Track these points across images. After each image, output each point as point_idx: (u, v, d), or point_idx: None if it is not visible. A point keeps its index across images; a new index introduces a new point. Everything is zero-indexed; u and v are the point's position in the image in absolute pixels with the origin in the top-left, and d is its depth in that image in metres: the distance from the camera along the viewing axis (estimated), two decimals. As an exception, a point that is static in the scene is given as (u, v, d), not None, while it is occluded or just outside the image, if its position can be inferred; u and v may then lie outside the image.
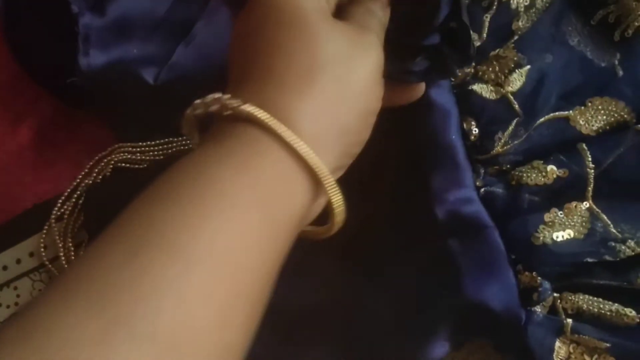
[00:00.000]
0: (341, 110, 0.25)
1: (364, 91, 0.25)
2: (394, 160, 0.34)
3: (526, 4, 0.32)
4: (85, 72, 0.38)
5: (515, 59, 0.32)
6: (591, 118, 0.32)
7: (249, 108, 0.23)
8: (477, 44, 0.33)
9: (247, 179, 0.23)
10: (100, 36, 0.38)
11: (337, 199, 0.25)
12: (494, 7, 0.33)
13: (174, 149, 0.40)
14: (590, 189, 0.31)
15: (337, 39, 0.25)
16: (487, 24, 0.33)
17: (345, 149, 0.25)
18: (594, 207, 0.31)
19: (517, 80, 0.32)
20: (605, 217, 0.30)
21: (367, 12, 0.28)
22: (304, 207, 0.24)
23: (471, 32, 0.29)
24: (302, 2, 0.25)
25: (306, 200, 0.24)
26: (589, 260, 0.30)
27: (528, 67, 0.32)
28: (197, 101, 0.26)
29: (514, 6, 0.32)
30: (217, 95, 0.25)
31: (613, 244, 0.30)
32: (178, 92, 0.38)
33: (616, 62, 0.32)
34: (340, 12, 0.28)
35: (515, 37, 0.32)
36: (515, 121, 0.32)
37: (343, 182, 0.27)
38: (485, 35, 0.33)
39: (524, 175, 0.32)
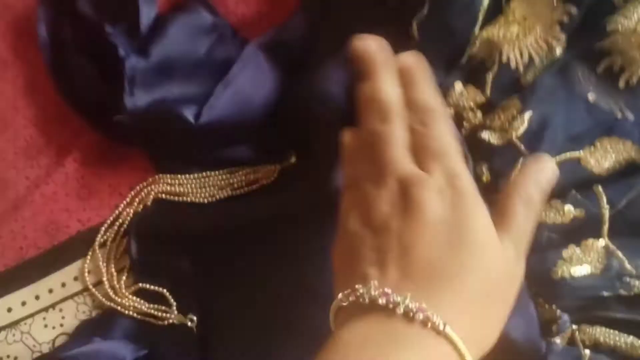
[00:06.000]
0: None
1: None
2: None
3: (525, 63, 0.35)
4: (130, 111, 0.40)
5: (518, 107, 0.35)
6: (601, 158, 0.34)
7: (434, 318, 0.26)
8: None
9: None
10: (144, 77, 0.41)
11: None
12: (495, 67, 0.36)
13: (211, 183, 0.43)
14: (605, 227, 0.33)
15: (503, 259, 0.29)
16: (489, 82, 0.36)
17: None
18: (610, 244, 0.33)
19: (520, 126, 0.34)
20: (621, 254, 0.33)
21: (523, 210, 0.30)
22: None
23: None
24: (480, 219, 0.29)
25: None
26: (605, 294, 0.32)
27: (530, 112, 0.34)
28: (352, 291, 0.28)
29: (513, 66, 0.35)
30: (385, 289, 0.28)
31: (628, 279, 0.32)
32: (217, 131, 0.40)
33: (621, 107, 0.34)
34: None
35: (523, 90, 0.35)
36: (521, 160, 0.34)
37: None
38: (488, 92, 0.36)
39: (543, 213, 0.34)
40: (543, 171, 0.31)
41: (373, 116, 0.32)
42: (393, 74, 0.33)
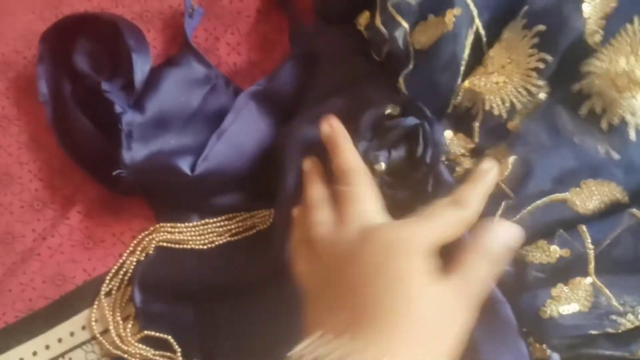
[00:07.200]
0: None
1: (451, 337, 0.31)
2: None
3: (507, 109, 0.36)
4: (128, 165, 0.42)
5: (504, 152, 0.36)
6: (586, 199, 0.35)
7: None
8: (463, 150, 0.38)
9: None
10: (141, 131, 0.42)
11: None
12: (480, 115, 0.37)
13: (209, 230, 0.44)
14: (592, 266, 0.34)
15: (435, 303, 0.30)
16: (476, 129, 0.37)
17: None
18: (597, 282, 0.34)
19: (505, 170, 0.35)
20: (608, 292, 0.33)
21: (475, 260, 0.32)
22: None
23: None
24: (412, 265, 0.31)
25: None
26: (593, 332, 0.33)
27: (514, 157, 0.35)
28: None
29: (496, 113, 0.36)
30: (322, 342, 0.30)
31: (615, 317, 0.33)
32: (213, 180, 0.42)
33: (606, 148, 0.35)
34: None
35: (509, 135, 0.36)
36: (504, 202, 0.35)
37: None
38: (477, 138, 0.37)
39: (529, 254, 0.35)
40: (507, 233, 0.33)
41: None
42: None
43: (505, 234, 0.33)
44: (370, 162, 0.37)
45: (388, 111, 0.38)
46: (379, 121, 0.38)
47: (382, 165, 0.37)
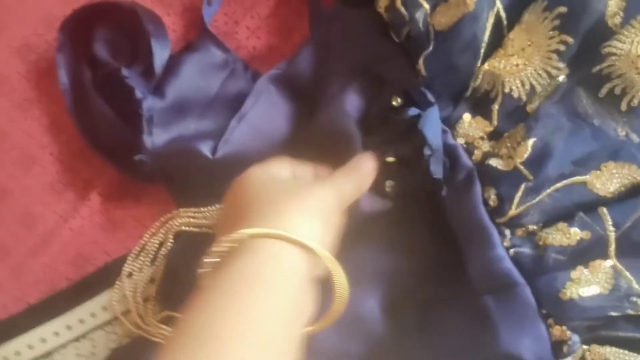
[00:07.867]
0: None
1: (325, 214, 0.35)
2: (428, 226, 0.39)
3: (527, 92, 0.36)
4: (149, 149, 0.42)
5: (523, 134, 0.36)
6: (607, 181, 0.35)
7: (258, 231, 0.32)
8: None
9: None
10: (161, 117, 0.42)
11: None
12: (499, 97, 0.37)
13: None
14: (612, 248, 0.34)
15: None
16: (495, 112, 0.37)
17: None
18: (618, 264, 0.34)
19: (524, 152, 0.35)
20: (628, 274, 0.33)
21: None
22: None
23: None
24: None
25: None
26: (613, 314, 0.33)
27: (533, 139, 0.35)
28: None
29: (516, 95, 0.36)
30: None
31: (635, 299, 0.33)
32: (233, 163, 0.42)
33: (626, 130, 0.35)
34: None
35: (528, 117, 0.36)
36: (523, 185, 0.35)
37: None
38: (495, 121, 0.38)
39: (550, 236, 0.35)
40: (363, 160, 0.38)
41: None
42: None
43: (361, 161, 0.38)
44: (380, 155, 0.38)
45: (393, 103, 0.38)
46: (385, 113, 0.39)
47: (392, 158, 0.38)
